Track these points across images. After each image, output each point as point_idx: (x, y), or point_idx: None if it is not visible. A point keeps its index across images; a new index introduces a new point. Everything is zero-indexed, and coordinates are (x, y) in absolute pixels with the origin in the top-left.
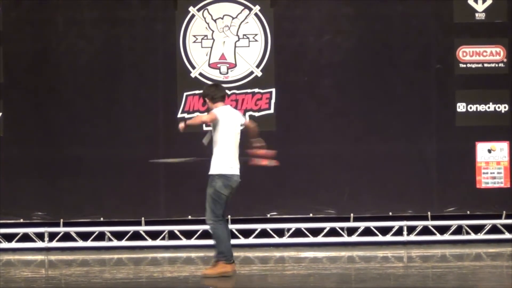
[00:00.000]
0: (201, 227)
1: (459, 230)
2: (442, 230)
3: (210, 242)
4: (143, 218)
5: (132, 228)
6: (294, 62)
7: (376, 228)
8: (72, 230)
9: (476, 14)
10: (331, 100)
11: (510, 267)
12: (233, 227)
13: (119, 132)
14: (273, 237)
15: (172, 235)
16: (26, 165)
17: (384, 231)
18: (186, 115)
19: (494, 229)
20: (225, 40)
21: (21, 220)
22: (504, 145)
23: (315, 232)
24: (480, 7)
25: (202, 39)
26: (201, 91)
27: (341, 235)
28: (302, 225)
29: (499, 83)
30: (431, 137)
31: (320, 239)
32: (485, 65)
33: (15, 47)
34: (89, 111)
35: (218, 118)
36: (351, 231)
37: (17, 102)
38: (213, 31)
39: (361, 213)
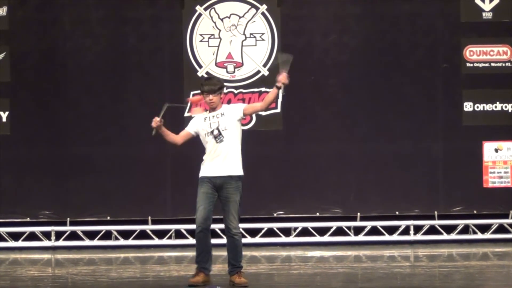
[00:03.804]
0: None
1: (465, 230)
2: (449, 229)
3: (216, 241)
4: (149, 217)
5: (138, 227)
6: (300, 61)
7: (382, 227)
8: (78, 229)
9: (483, 14)
10: (337, 100)
11: None
12: (240, 226)
13: (126, 131)
14: (279, 236)
15: (178, 234)
16: (33, 164)
17: (391, 230)
18: (192, 114)
19: (501, 229)
20: (232, 39)
21: (28, 219)
22: (511, 144)
23: (322, 231)
24: (487, 6)
25: (209, 38)
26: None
27: (348, 235)
28: (309, 224)
29: (506, 83)
30: (438, 136)
31: (326, 238)
32: (492, 64)
33: (22, 46)
34: (96, 110)
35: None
36: (357, 231)
37: (24, 101)
38: (220, 30)
39: (368, 212)
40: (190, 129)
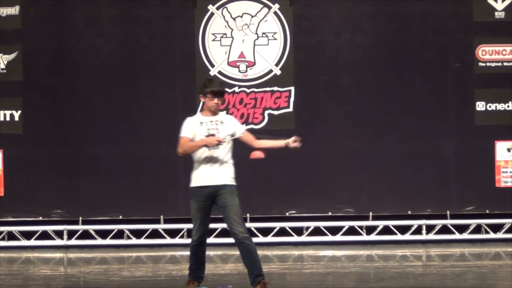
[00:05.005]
0: (219, 226)
1: (478, 229)
2: (461, 229)
3: (229, 240)
4: (162, 216)
5: (151, 226)
6: (312, 61)
7: (395, 226)
8: (91, 228)
9: (496, 13)
10: (349, 99)
11: None
12: (252, 225)
13: (138, 130)
14: (292, 235)
15: (191, 233)
16: (45, 163)
17: (403, 229)
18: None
19: None
20: (244, 39)
21: (40, 218)
22: None
23: (334, 230)
24: (499, 5)
25: (221, 37)
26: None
27: (360, 234)
28: (321, 224)
29: None
30: (450, 136)
31: (338, 237)
32: (505, 64)
33: (34, 45)
34: (108, 109)
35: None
36: (370, 230)
37: (36, 100)
38: (232, 29)
39: (380, 211)
40: (189, 134)
